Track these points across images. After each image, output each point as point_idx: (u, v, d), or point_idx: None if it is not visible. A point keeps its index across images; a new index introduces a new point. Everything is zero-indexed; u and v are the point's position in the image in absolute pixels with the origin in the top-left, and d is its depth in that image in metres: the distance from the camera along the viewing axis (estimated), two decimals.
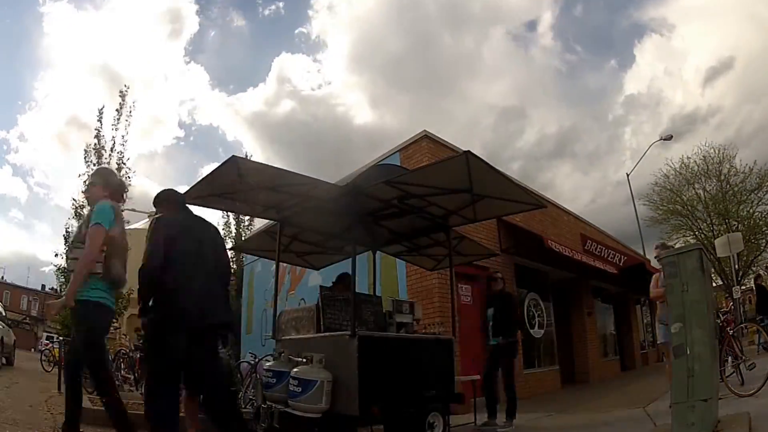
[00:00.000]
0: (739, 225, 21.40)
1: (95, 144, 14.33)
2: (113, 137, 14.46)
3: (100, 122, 14.52)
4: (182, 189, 4.03)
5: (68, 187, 39.70)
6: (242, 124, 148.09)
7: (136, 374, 7.74)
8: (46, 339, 22.44)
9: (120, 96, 14.85)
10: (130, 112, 14.80)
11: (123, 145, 14.53)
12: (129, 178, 14.39)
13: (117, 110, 14.65)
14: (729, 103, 57.04)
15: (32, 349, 26.07)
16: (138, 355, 8.36)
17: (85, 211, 13.60)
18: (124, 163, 14.47)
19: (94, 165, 14.15)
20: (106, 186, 3.62)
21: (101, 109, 14.65)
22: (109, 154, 14.46)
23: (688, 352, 3.05)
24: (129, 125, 14.66)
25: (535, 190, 9.87)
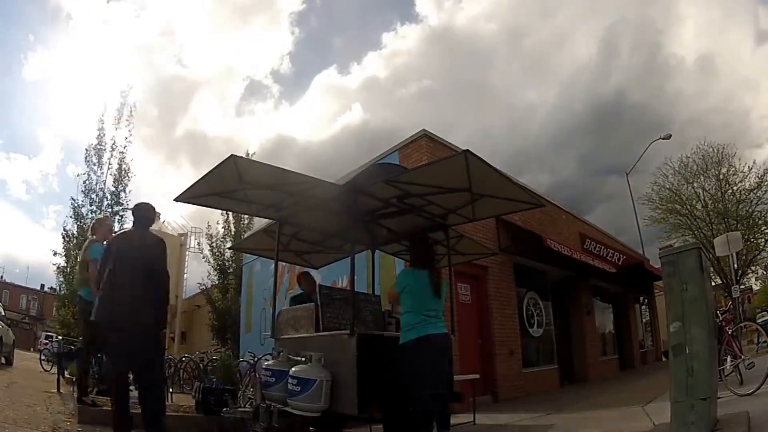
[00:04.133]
0: (738, 224, 21.41)
1: (96, 144, 14.35)
2: (113, 137, 14.48)
3: (102, 123, 14.52)
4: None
5: (69, 187, 39.58)
6: None
7: None
8: (45, 338, 22.41)
9: (122, 96, 14.88)
10: (131, 112, 14.81)
11: (125, 146, 14.55)
12: (129, 179, 14.43)
13: (117, 110, 14.67)
14: None
15: (31, 349, 26.04)
16: None
17: (84, 210, 13.67)
18: (126, 163, 14.49)
19: (95, 165, 14.18)
20: None
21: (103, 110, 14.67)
22: (110, 155, 14.48)
23: (687, 351, 3.05)
24: (131, 126, 14.68)
25: (534, 189, 9.86)
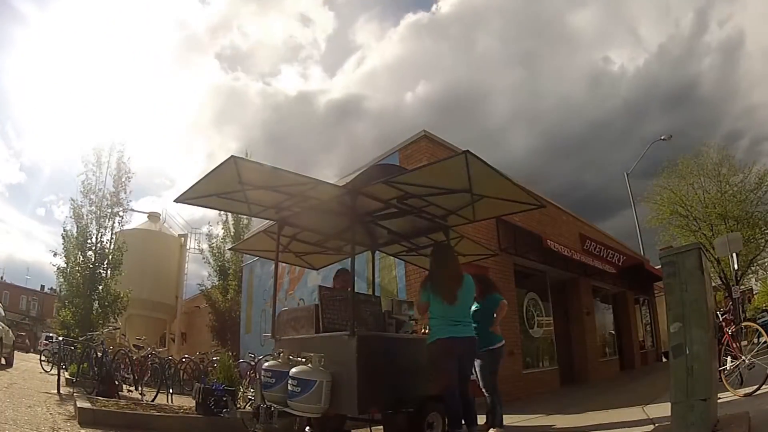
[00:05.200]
0: (738, 225, 21.40)
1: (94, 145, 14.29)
2: (111, 137, 14.46)
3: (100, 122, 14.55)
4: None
5: (68, 187, 39.52)
6: None
7: (136, 374, 7.73)
8: (45, 339, 22.40)
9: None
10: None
11: (123, 144, 14.52)
12: (129, 179, 14.40)
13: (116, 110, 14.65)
14: None
15: (31, 349, 26.04)
16: (136, 356, 8.35)
17: (84, 211, 13.75)
18: (125, 163, 14.45)
19: (93, 165, 14.14)
20: None
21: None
22: (108, 154, 14.44)
23: (687, 352, 3.05)
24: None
25: (534, 190, 9.85)
